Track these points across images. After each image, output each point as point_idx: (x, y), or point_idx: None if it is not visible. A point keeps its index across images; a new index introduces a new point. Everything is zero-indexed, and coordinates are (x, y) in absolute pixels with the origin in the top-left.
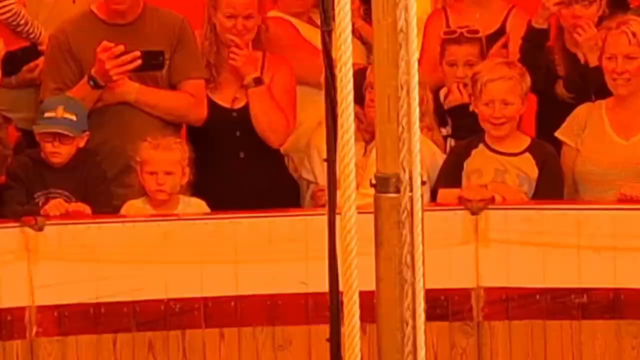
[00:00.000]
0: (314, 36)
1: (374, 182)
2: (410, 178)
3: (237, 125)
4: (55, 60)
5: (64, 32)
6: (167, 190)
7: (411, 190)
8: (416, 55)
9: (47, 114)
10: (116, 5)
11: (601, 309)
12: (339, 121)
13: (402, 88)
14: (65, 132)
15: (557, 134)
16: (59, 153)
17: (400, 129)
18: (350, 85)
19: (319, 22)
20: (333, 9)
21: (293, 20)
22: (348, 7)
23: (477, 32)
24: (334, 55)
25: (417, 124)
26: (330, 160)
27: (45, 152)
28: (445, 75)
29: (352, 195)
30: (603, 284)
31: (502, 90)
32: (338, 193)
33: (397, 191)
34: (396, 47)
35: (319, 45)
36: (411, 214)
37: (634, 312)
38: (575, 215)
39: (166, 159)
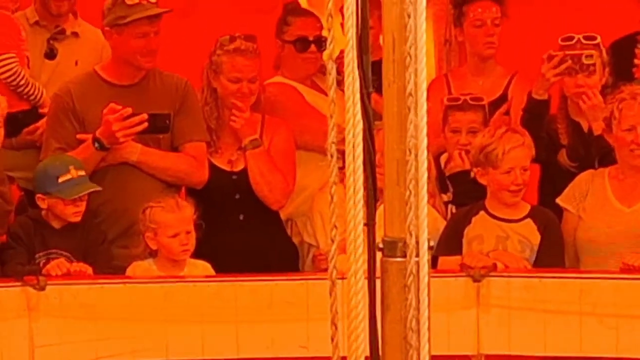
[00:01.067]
0: (318, 101)
1: (381, 246)
2: (417, 242)
3: (236, 188)
4: (59, 119)
5: (67, 92)
6: (190, 249)
7: (417, 255)
8: (425, 119)
9: (62, 179)
10: (149, 63)
11: None
12: (348, 184)
13: (410, 152)
14: (96, 189)
15: (558, 200)
16: (80, 212)
17: (408, 193)
18: (360, 149)
19: (322, 87)
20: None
21: (297, 85)
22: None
23: (481, 99)
24: (346, 119)
25: (425, 188)
26: (370, 225)
27: (65, 215)
28: (447, 141)
29: (360, 259)
30: (605, 353)
31: (521, 157)
32: (338, 257)
33: (404, 255)
34: (405, 110)
35: (323, 111)
36: (417, 278)
37: None
38: (577, 284)
39: (182, 218)
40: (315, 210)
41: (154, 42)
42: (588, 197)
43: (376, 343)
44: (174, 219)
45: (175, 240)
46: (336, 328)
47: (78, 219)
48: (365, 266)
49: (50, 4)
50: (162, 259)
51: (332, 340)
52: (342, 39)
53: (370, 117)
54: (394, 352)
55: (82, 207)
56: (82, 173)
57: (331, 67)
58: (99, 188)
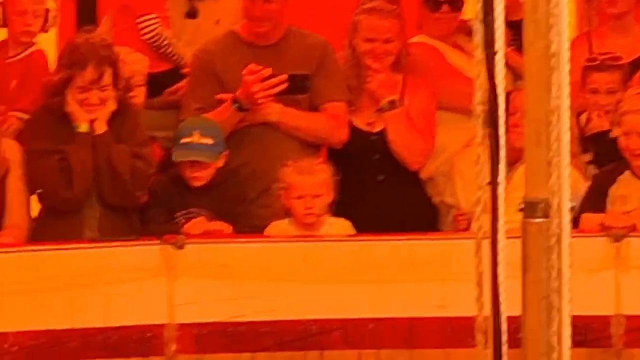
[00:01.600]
0: (459, 61)
1: (521, 206)
2: (559, 203)
3: (375, 149)
4: (199, 80)
5: (208, 52)
6: (315, 213)
7: (560, 216)
8: (567, 80)
9: (183, 140)
10: (258, 28)
11: None
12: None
13: (553, 112)
14: (201, 159)
15: None
16: (198, 177)
17: (551, 153)
18: (502, 109)
19: (464, 46)
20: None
21: (439, 45)
22: (501, 31)
23: (619, 59)
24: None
25: (567, 148)
26: (494, 184)
27: (186, 177)
28: (586, 101)
29: (501, 219)
30: None
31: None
32: (484, 217)
33: (546, 216)
34: (548, 71)
35: (464, 70)
36: (558, 239)
37: None
38: None
39: (312, 182)
40: (455, 170)
41: (260, 8)
42: None
43: (497, 304)
44: (302, 182)
45: (300, 202)
46: (481, 289)
47: (197, 183)
48: (509, 226)
49: None
50: (300, 221)
51: (478, 300)
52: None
53: (494, 78)
54: (534, 313)
55: (201, 173)
56: (207, 141)
57: (477, 28)
58: (208, 160)
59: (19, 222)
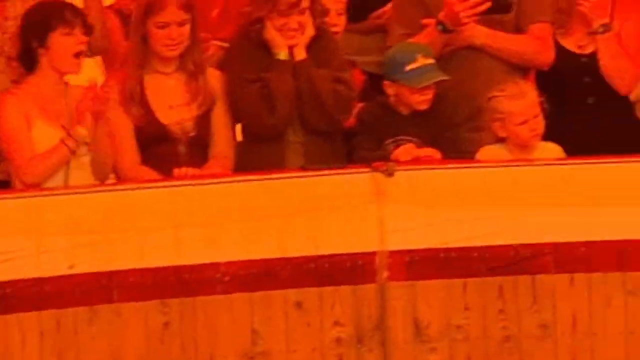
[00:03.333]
0: None
1: None
2: None
3: (586, 71)
4: (403, 4)
5: None
6: (540, 132)
7: None
8: None
9: (409, 67)
10: None
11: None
12: None
13: None
14: (444, 79)
15: None
16: (427, 100)
17: None
18: None
19: None
20: None
21: None
22: None
23: None
24: None
25: None
26: None
27: (411, 103)
28: None
29: None
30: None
31: None
32: None
33: None
34: None
35: None
36: None
37: None
38: None
39: (528, 104)
40: None
41: None
42: None
43: None
44: (521, 106)
45: (524, 127)
46: None
47: (425, 106)
48: None
49: None
50: (512, 144)
51: None
52: None
53: None
54: None
55: (430, 95)
56: (431, 61)
57: None
58: (447, 77)
59: (226, 151)
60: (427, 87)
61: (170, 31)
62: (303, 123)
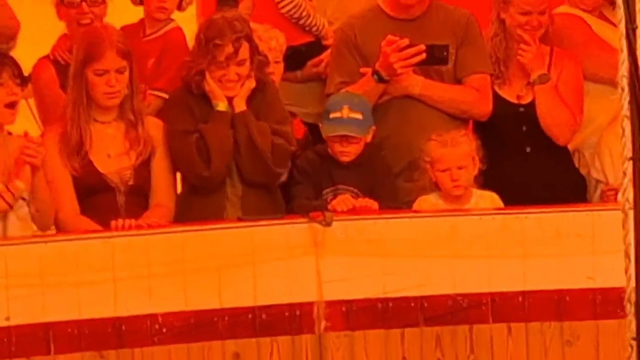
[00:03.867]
0: (606, 32)
1: None
2: None
3: (523, 120)
4: (342, 53)
5: (350, 26)
6: (462, 185)
7: None
8: None
9: (332, 115)
10: (407, 0)
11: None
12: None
13: None
14: (353, 134)
15: None
16: (348, 152)
17: None
18: None
19: (611, 19)
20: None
21: (584, 16)
22: None
23: None
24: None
25: None
26: (636, 158)
27: (333, 152)
28: None
29: None
30: None
31: None
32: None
33: None
34: None
35: (612, 42)
36: None
37: None
38: None
39: (456, 153)
40: (603, 145)
41: None
42: None
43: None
44: (447, 154)
45: (445, 175)
46: (630, 260)
47: (346, 159)
48: None
49: None
50: (448, 193)
51: (626, 272)
52: None
53: (635, 52)
54: None
55: (351, 148)
56: (357, 116)
57: (620, 1)
58: (358, 135)
59: (165, 201)
60: (347, 140)
61: (110, 78)
62: (240, 175)
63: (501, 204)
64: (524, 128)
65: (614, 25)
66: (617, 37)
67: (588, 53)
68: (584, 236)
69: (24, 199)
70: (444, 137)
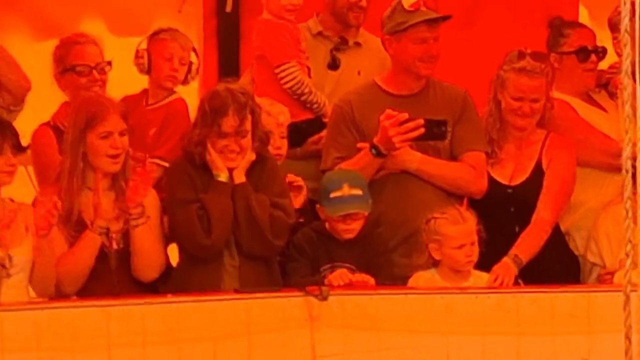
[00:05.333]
0: (592, 117)
1: None
2: None
3: (512, 201)
4: (339, 129)
5: (348, 102)
6: (474, 260)
7: None
8: None
9: (333, 194)
10: (428, 70)
11: None
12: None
13: None
14: (357, 211)
15: None
16: (352, 229)
17: None
18: None
19: (599, 102)
20: None
21: (570, 100)
22: None
23: None
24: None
25: None
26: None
27: (336, 230)
28: None
29: None
30: None
31: None
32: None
33: None
34: None
35: (599, 126)
36: None
37: None
38: None
39: (467, 230)
40: (600, 230)
41: (434, 48)
42: None
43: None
44: (459, 231)
45: (460, 252)
46: (630, 342)
47: (350, 236)
48: None
49: (348, 15)
50: (445, 269)
51: (626, 354)
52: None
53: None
54: None
55: (355, 225)
56: (357, 192)
57: (627, 83)
58: (363, 211)
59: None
60: (351, 218)
61: (114, 140)
62: (239, 246)
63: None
64: (512, 209)
65: (602, 108)
66: (604, 120)
67: (574, 138)
68: (579, 317)
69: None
70: (452, 213)
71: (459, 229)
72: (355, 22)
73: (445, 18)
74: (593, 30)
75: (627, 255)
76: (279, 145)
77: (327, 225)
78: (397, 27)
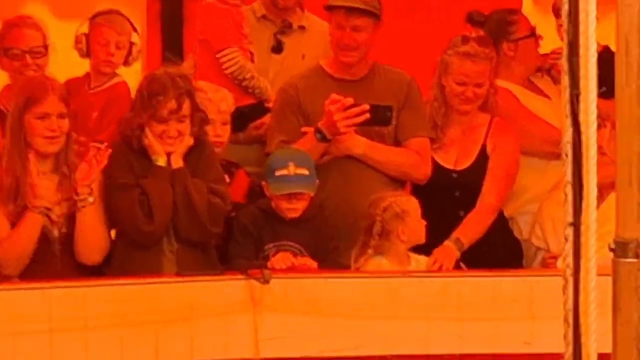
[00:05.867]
0: (533, 103)
1: (612, 246)
2: None
3: (457, 186)
4: (284, 113)
5: (293, 86)
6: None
7: None
8: None
9: (278, 172)
10: (345, 58)
11: None
12: (584, 186)
13: None
14: (302, 191)
15: None
16: (295, 209)
17: None
18: (594, 150)
19: (541, 87)
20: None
21: (512, 87)
22: (594, 71)
23: None
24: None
25: None
26: (577, 225)
27: (280, 209)
28: None
29: (593, 259)
30: None
31: None
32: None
33: (637, 256)
34: (638, 112)
35: (541, 113)
36: None
37: None
38: None
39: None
40: (545, 214)
41: (348, 37)
42: None
43: (579, 341)
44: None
45: (421, 224)
46: (569, 325)
47: (294, 215)
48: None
49: None
50: (392, 253)
51: (565, 337)
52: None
53: (578, 119)
54: (625, 353)
55: (299, 205)
56: (303, 172)
57: (566, 68)
58: (308, 191)
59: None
60: (295, 197)
61: (51, 122)
62: (176, 232)
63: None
64: (457, 193)
65: (545, 95)
66: (547, 107)
67: (516, 127)
68: (522, 301)
69: None
70: (396, 193)
71: (416, 202)
72: (284, 4)
73: (368, 13)
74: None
75: (566, 239)
76: (219, 133)
77: (272, 203)
78: (328, 4)
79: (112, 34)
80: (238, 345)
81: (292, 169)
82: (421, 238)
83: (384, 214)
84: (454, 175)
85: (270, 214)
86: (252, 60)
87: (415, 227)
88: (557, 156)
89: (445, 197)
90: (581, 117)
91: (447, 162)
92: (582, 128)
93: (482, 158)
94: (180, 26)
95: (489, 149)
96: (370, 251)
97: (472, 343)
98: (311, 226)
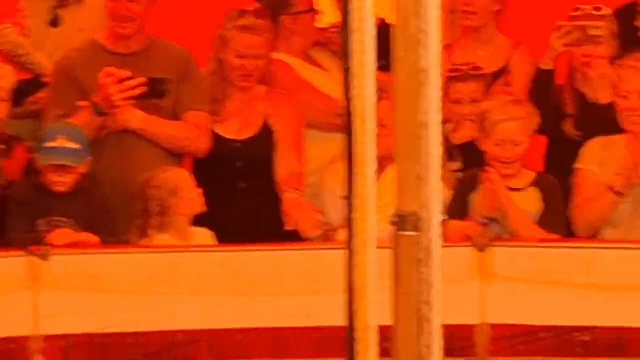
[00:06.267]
0: (312, 76)
1: (393, 220)
2: (430, 217)
3: (239, 156)
4: (60, 87)
5: (69, 59)
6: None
7: (430, 229)
8: (438, 94)
9: (46, 144)
10: (120, 29)
11: (605, 347)
12: (360, 159)
13: (423, 126)
14: (66, 163)
15: (578, 165)
16: (62, 182)
17: (421, 167)
18: (372, 123)
19: (319, 61)
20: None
21: (290, 60)
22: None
23: (481, 69)
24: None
25: (438, 162)
26: (350, 199)
27: (48, 181)
28: (450, 112)
29: (372, 232)
30: (607, 323)
31: (513, 131)
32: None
33: (416, 229)
34: (416, 85)
35: (320, 86)
36: (429, 252)
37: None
38: (583, 254)
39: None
40: (325, 187)
41: (124, 8)
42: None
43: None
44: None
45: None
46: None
47: (61, 189)
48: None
49: None
50: (174, 231)
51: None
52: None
53: (349, 93)
54: (406, 324)
55: (66, 178)
56: (73, 145)
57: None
58: (76, 165)
59: None
60: (63, 170)
61: None
62: None
63: (214, 241)
64: (239, 164)
65: (323, 68)
66: (326, 80)
67: (296, 98)
68: (305, 275)
69: None
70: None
71: (186, 173)
72: None
73: None
74: None
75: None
76: None
77: (42, 177)
78: None
79: None
80: (18, 322)
81: (60, 142)
82: (201, 206)
83: (158, 193)
84: (238, 145)
85: (42, 189)
86: (28, 36)
87: (192, 198)
88: (337, 128)
89: (227, 170)
90: (356, 91)
91: (229, 132)
92: (356, 101)
93: (264, 129)
94: None
95: (270, 120)
96: (151, 231)
97: (255, 317)
98: (84, 200)
